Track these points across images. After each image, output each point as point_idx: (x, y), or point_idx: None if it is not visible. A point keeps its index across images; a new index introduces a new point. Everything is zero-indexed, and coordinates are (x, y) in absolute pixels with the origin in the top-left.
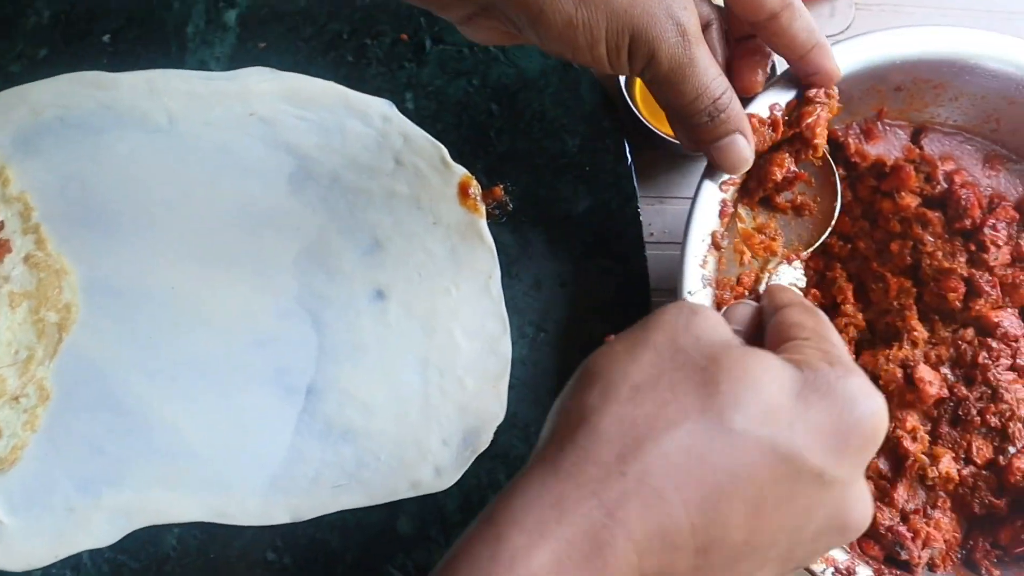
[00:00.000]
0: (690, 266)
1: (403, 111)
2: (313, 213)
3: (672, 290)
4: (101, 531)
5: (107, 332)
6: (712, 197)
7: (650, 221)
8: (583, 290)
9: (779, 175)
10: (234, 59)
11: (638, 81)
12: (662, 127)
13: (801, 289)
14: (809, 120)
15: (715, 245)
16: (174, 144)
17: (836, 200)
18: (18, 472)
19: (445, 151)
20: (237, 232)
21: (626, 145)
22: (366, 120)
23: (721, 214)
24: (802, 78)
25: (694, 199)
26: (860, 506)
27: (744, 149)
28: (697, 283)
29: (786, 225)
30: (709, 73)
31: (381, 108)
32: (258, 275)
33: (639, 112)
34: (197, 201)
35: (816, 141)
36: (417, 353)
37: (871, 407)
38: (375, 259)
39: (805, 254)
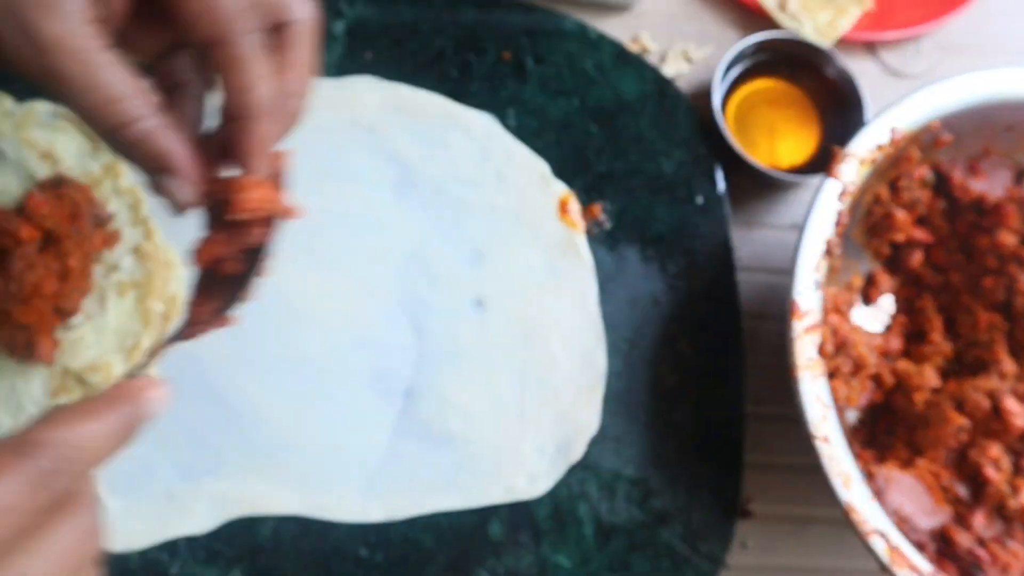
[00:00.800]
0: (802, 269)
1: (505, 127)
2: (416, 221)
3: (759, 314)
4: (198, 518)
5: None
6: (830, 204)
7: (738, 246)
8: (675, 310)
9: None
10: (341, 68)
11: (731, 108)
12: (754, 154)
13: (890, 316)
14: None
15: (829, 252)
16: None
17: None
18: (121, 456)
19: (546, 167)
20: (342, 235)
21: (719, 171)
22: (469, 134)
23: (837, 223)
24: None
25: (812, 203)
26: None
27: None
28: (809, 285)
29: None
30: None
31: (484, 123)
32: (361, 278)
33: (732, 139)
34: (303, 203)
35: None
36: (515, 362)
37: None
38: (476, 269)
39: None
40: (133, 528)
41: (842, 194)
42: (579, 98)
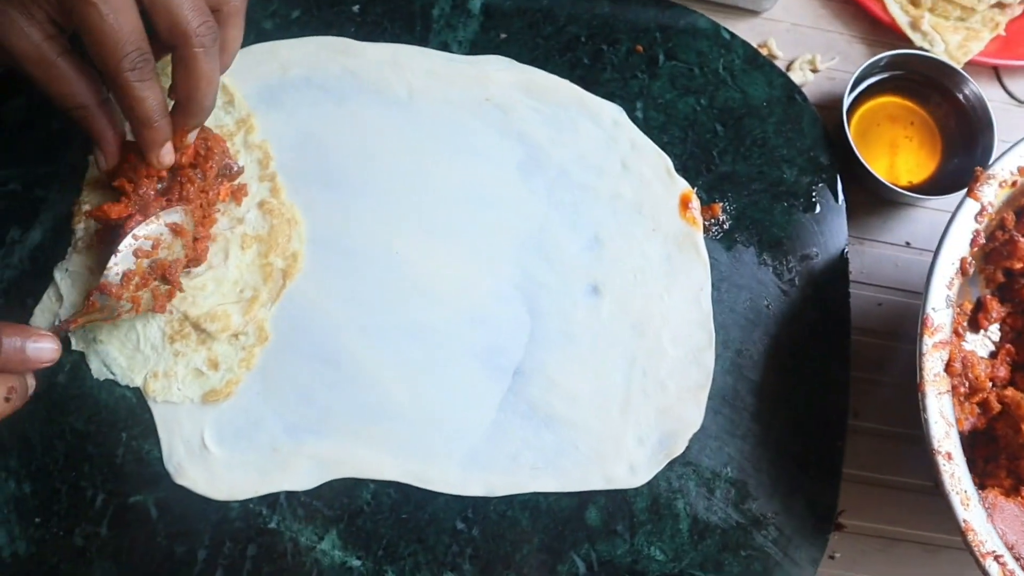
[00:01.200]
0: (936, 285)
1: (632, 119)
2: (538, 202)
3: (865, 329)
4: (300, 475)
5: (329, 286)
6: (967, 223)
7: (850, 260)
8: (785, 317)
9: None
10: (475, 45)
11: (854, 122)
12: (878, 169)
13: (995, 343)
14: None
15: (963, 271)
16: (412, 118)
17: None
18: (230, 406)
19: (670, 162)
20: (464, 210)
21: (840, 183)
22: (597, 121)
23: (972, 243)
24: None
25: (951, 220)
26: None
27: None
28: (941, 302)
29: None
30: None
31: (612, 112)
32: (480, 255)
33: (858, 152)
34: (428, 175)
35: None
36: (625, 352)
37: None
38: (594, 255)
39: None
40: (236, 478)
41: (979, 214)
42: (707, 97)
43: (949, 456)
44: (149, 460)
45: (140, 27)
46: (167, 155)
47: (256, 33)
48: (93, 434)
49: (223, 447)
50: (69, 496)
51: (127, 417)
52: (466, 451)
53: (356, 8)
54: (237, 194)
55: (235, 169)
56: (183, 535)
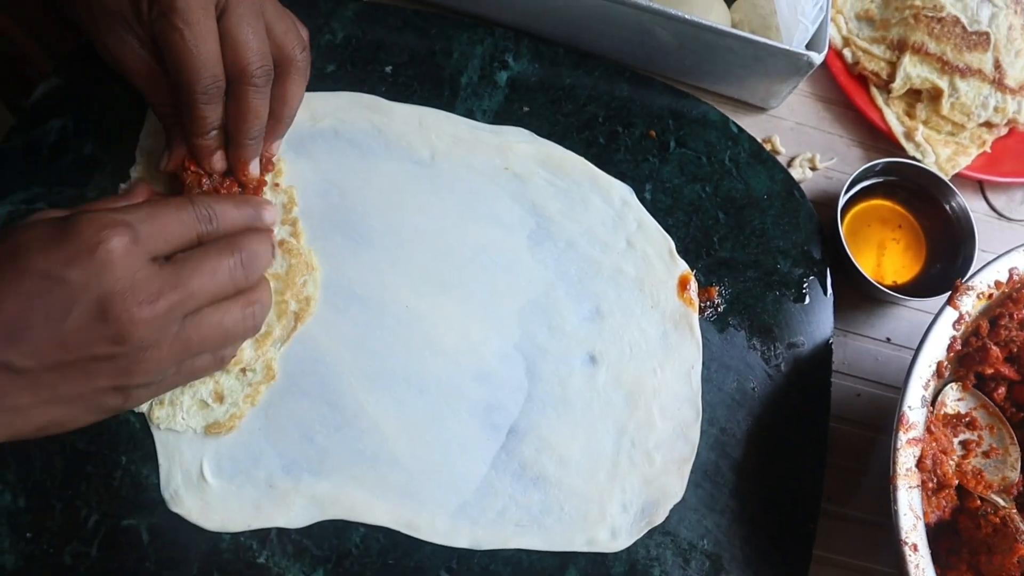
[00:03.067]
0: (914, 384)
1: (641, 199)
2: (545, 270)
3: (841, 417)
4: (294, 513)
5: (340, 332)
6: (946, 329)
7: (833, 351)
8: (769, 399)
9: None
10: (499, 115)
11: (847, 221)
12: (866, 268)
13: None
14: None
15: (939, 373)
16: (433, 178)
17: None
18: (231, 440)
19: (672, 244)
20: (475, 271)
21: (830, 278)
22: (607, 199)
23: (949, 348)
24: None
25: (931, 325)
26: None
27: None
28: (917, 401)
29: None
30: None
31: (622, 192)
32: (487, 315)
33: (849, 250)
34: (444, 235)
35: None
36: (616, 421)
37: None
38: (594, 326)
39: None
40: (230, 510)
41: (957, 321)
42: (712, 185)
43: (915, 548)
44: (146, 485)
45: (218, 56)
46: (255, 167)
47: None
48: (93, 454)
49: (220, 479)
50: (63, 514)
51: (128, 441)
52: (456, 503)
53: (388, 69)
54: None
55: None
56: (172, 562)
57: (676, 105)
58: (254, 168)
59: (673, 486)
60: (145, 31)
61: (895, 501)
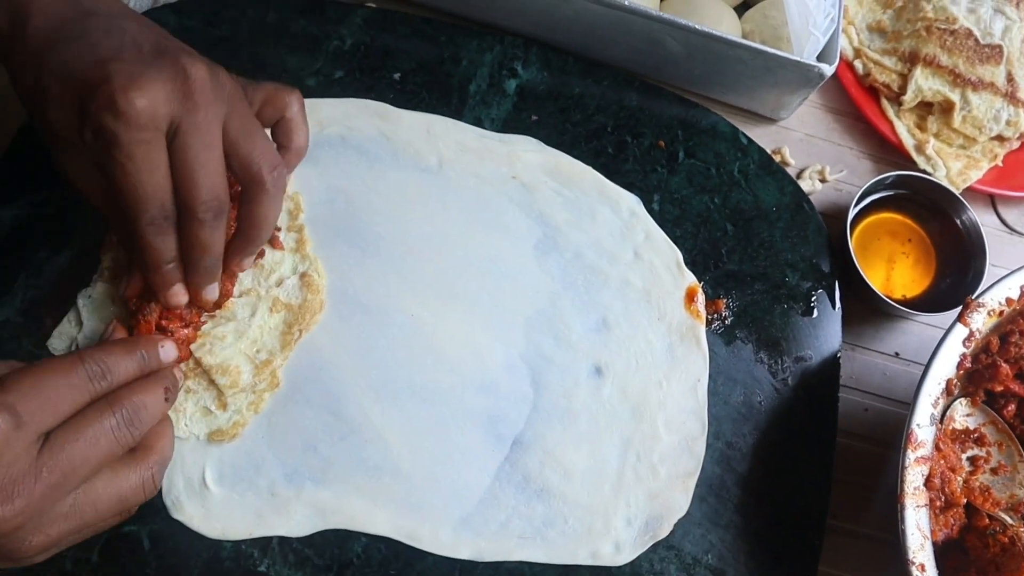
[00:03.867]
0: (922, 402)
1: (649, 210)
2: (551, 281)
3: (847, 432)
4: (296, 522)
5: (344, 340)
6: (955, 347)
7: (841, 365)
8: (776, 414)
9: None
10: (507, 124)
11: (856, 234)
12: (875, 281)
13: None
14: None
15: (948, 391)
16: (440, 187)
17: None
18: (234, 447)
19: (680, 256)
20: (481, 281)
21: (838, 292)
22: (615, 210)
23: (959, 365)
24: None
25: (940, 342)
26: None
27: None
28: (926, 419)
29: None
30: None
31: (630, 202)
32: (492, 324)
33: (858, 264)
34: (450, 243)
35: None
36: (622, 433)
37: None
38: (600, 337)
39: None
40: (232, 518)
41: (967, 339)
42: (721, 197)
43: (923, 568)
44: None
45: (166, 186)
46: (212, 292)
47: (299, 89)
48: None
49: (223, 486)
50: None
51: None
52: (459, 514)
53: (397, 76)
54: (275, 240)
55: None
56: (173, 569)
57: (685, 115)
58: (209, 293)
59: (678, 500)
60: (94, 157)
61: (902, 520)
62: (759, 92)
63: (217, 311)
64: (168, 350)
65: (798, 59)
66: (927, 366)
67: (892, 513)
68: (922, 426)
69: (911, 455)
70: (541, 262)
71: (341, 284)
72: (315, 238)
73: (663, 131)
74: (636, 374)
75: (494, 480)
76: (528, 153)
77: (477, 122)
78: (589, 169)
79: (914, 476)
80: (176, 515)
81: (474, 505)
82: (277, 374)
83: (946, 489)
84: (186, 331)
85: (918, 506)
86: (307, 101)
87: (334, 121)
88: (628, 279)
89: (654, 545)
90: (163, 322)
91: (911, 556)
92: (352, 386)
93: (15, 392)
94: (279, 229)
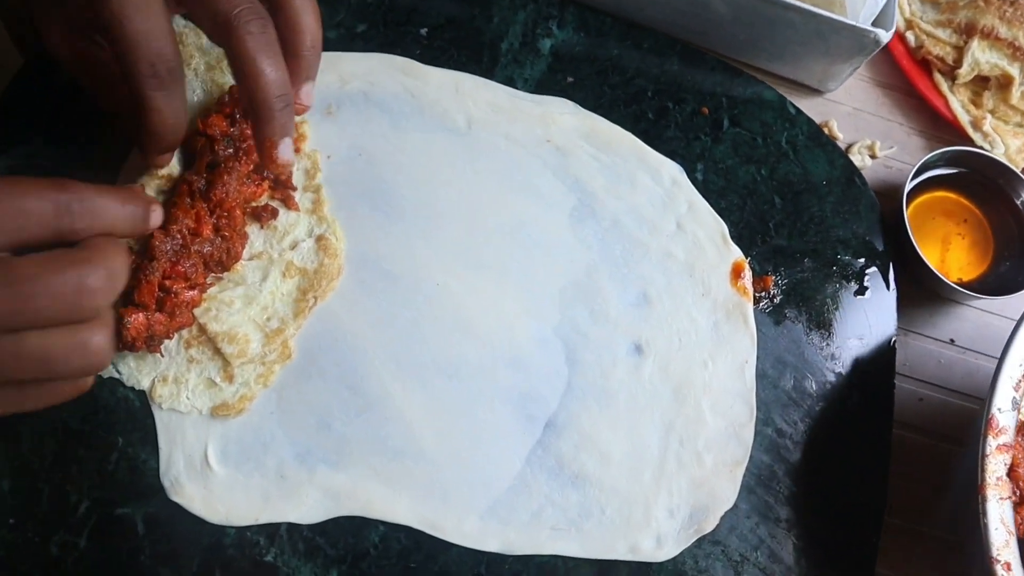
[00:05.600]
0: (1003, 385)
1: (692, 179)
2: (588, 250)
3: (903, 423)
4: (307, 507)
5: (364, 309)
6: None
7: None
8: (829, 400)
9: None
10: (540, 85)
11: (910, 212)
12: (933, 262)
13: None
14: None
15: None
16: (469, 148)
17: None
18: (240, 423)
19: (725, 229)
20: (512, 249)
21: (892, 273)
22: (656, 177)
23: None
24: None
25: (1019, 323)
26: None
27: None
28: (1007, 402)
29: None
30: None
31: (672, 171)
32: (524, 296)
33: (916, 243)
34: (480, 208)
35: None
36: (663, 416)
37: None
38: (640, 312)
39: None
40: (236, 501)
41: None
42: (768, 168)
43: (1008, 567)
44: (144, 470)
45: (166, 31)
46: (287, 150)
47: None
48: (87, 435)
49: (226, 466)
50: (51, 499)
51: (126, 421)
52: (487, 502)
53: (424, 31)
54: (289, 200)
55: (282, 175)
56: (170, 557)
57: (730, 82)
58: (285, 151)
59: (724, 490)
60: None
61: (984, 514)
62: (807, 60)
63: (225, 274)
64: (156, 216)
65: (853, 23)
66: (1006, 346)
67: (963, 509)
68: (1003, 411)
69: (992, 442)
70: (576, 230)
71: (361, 249)
72: (333, 199)
73: (706, 98)
74: (679, 353)
75: (525, 465)
76: (564, 115)
77: (509, 82)
78: (628, 134)
79: (996, 465)
80: (175, 497)
81: (502, 492)
82: (289, 344)
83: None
84: (191, 293)
85: (1001, 498)
86: (327, 54)
87: (356, 76)
88: (670, 251)
89: (699, 540)
90: (167, 282)
91: (995, 553)
92: (371, 359)
93: None
94: (294, 189)
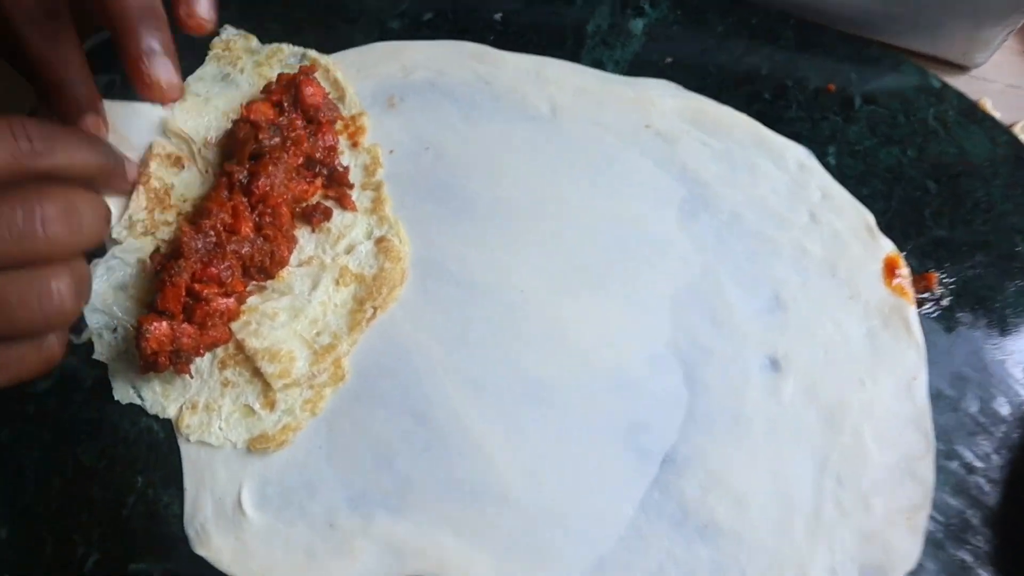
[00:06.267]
0: None
1: (823, 164)
2: (703, 249)
3: None
4: (362, 563)
5: (432, 321)
6: None
7: None
8: None
9: None
10: (634, 67)
11: None
12: None
13: None
14: None
15: None
16: (554, 137)
17: None
18: (281, 460)
19: (871, 219)
20: (609, 250)
21: None
22: (780, 163)
23: None
24: None
25: None
26: None
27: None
28: None
29: None
30: None
31: (799, 154)
32: (629, 304)
33: None
34: (568, 204)
35: None
36: (814, 448)
37: None
38: (774, 319)
39: None
40: (275, 557)
41: None
42: (915, 149)
43: None
44: (165, 517)
45: None
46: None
47: (380, 32)
48: (101, 473)
49: (264, 512)
50: (54, 551)
51: (148, 456)
52: (592, 559)
53: (498, 16)
54: (345, 199)
55: (335, 169)
56: None
57: (857, 55)
58: (202, 7)
59: (903, 545)
60: None
61: None
62: (948, 27)
63: (268, 281)
64: (133, 168)
65: None
66: None
67: None
68: None
69: None
70: (688, 227)
71: (427, 252)
72: (396, 197)
73: (831, 74)
74: (826, 368)
75: (639, 512)
76: (664, 98)
77: (598, 65)
78: (742, 116)
79: None
80: (200, 550)
81: (611, 546)
82: (342, 364)
83: None
84: (226, 302)
85: None
86: (389, 44)
87: (421, 65)
88: (804, 247)
89: None
90: (196, 286)
91: None
92: (441, 381)
93: None
94: (351, 187)
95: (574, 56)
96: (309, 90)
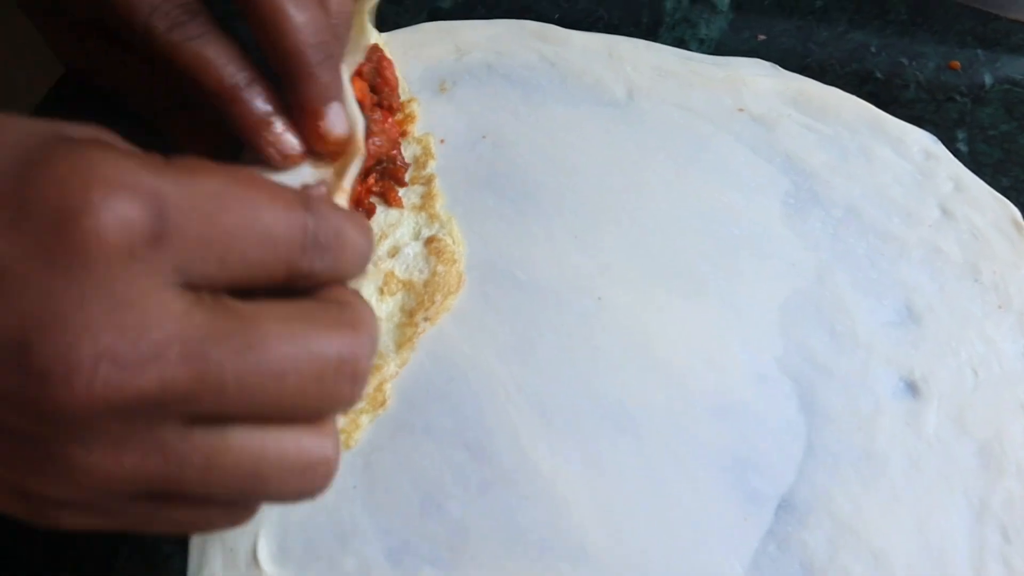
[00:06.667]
0: None
1: (953, 152)
2: (815, 249)
3: None
4: None
5: (492, 334)
6: None
7: None
8: None
9: None
10: (721, 46)
11: None
12: None
13: None
14: None
15: None
16: (631, 123)
17: None
18: (308, 504)
19: (1017, 213)
20: (702, 250)
21: None
22: (900, 150)
23: None
24: None
25: None
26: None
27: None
28: None
29: None
30: None
31: (923, 141)
32: (730, 314)
33: None
34: (652, 199)
35: None
36: (968, 492)
37: None
38: (906, 334)
39: None
40: None
41: None
42: None
43: None
44: (166, 571)
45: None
46: (335, 119)
47: (429, 12)
48: None
49: (284, 567)
50: None
51: None
52: None
53: None
54: (390, 193)
55: (400, 163)
56: None
57: (982, 30)
58: (335, 120)
59: None
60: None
61: None
62: None
63: None
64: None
65: None
66: None
67: None
68: None
69: None
70: (795, 224)
71: (486, 253)
72: (449, 192)
73: (953, 50)
74: (977, 393)
75: (751, 570)
76: (759, 78)
77: (679, 44)
78: (852, 97)
79: None
80: None
81: None
82: (384, 387)
83: None
84: None
85: None
86: (439, 25)
87: (477, 46)
88: (938, 246)
89: None
90: None
91: None
92: (503, 406)
93: (170, 179)
94: (405, 184)
95: (651, 35)
96: (390, 72)
